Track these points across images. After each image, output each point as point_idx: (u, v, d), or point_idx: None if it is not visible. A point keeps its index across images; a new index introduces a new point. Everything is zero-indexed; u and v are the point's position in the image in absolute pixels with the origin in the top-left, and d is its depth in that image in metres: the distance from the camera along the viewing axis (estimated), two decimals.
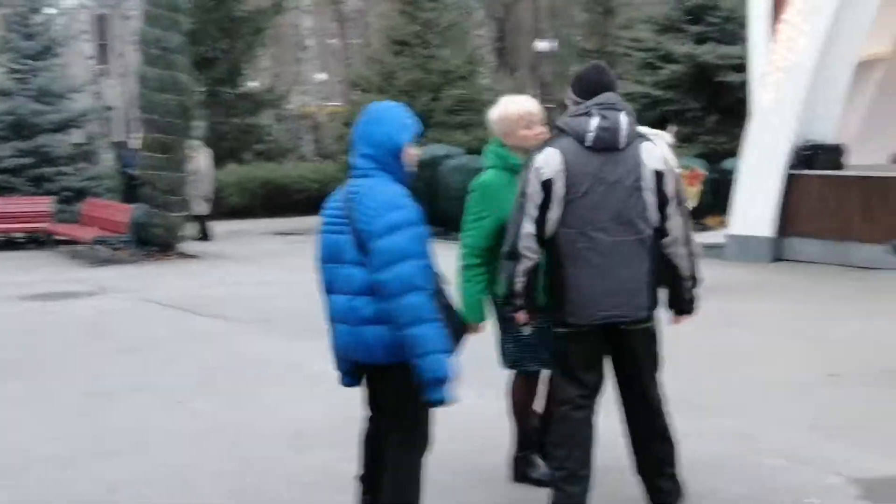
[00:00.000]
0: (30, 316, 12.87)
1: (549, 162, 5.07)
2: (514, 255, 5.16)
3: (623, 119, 5.10)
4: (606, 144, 5.06)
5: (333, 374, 8.71)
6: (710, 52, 23.04)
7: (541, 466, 5.97)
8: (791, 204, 14.53)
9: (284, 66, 58.16)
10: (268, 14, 30.86)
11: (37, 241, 21.15)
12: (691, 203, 10.96)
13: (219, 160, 28.22)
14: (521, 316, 5.31)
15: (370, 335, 4.69)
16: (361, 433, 5.30)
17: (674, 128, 11.86)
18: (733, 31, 23.44)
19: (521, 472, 6.07)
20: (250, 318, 12.10)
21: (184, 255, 18.96)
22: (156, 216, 18.64)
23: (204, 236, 21.39)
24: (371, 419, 5.20)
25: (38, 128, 22.28)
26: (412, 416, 4.85)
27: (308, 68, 56.92)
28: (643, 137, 5.19)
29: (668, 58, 23.83)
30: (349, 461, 6.46)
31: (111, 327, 11.88)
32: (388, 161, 4.73)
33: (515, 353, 5.81)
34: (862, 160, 14.93)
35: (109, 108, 36.55)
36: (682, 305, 5.30)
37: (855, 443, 6.60)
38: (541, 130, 5.75)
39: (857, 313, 10.98)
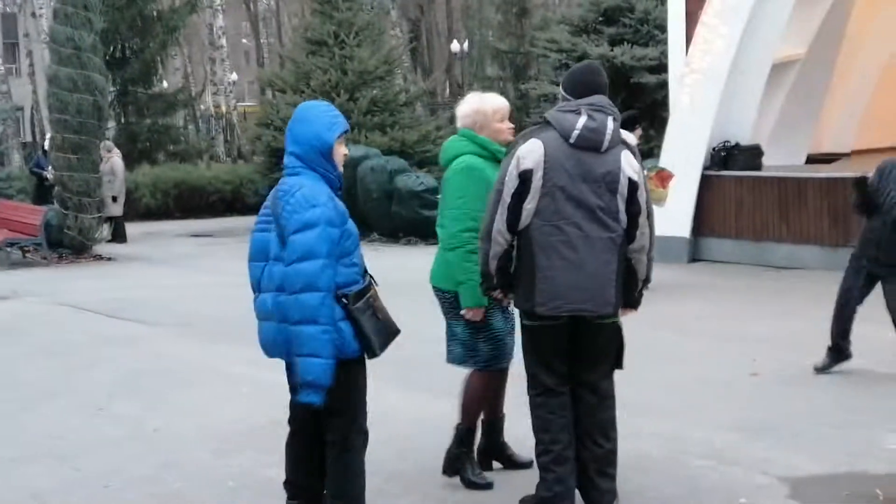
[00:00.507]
0: None
1: (531, 153, 5.19)
2: (487, 237, 5.30)
3: (609, 123, 5.23)
4: (589, 144, 5.19)
5: (255, 378, 8.78)
6: (625, 54, 23.24)
7: (476, 470, 6.05)
8: (708, 204, 14.68)
9: (196, 66, 57.79)
10: (182, 13, 30.55)
11: None
12: (662, 204, 11.12)
13: (132, 161, 27.90)
14: (498, 294, 5.45)
15: (295, 333, 4.68)
16: (288, 436, 5.25)
17: (639, 130, 11.94)
18: (648, 32, 23.70)
19: (457, 469, 6.06)
20: (169, 321, 11.93)
21: (98, 258, 18.66)
22: (69, 218, 18.31)
23: (116, 238, 21.01)
24: (294, 420, 5.16)
25: None
26: (347, 413, 4.86)
27: (220, 68, 56.59)
28: (625, 145, 5.33)
29: (584, 59, 23.97)
30: (273, 466, 6.45)
31: (26, 331, 11.64)
32: (316, 159, 4.78)
33: (491, 351, 5.87)
34: (776, 161, 15.12)
35: (19, 109, 35.89)
36: (630, 301, 5.45)
37: (779, 442, 6.65)
38: (511, 125, 6.00)
39: (775, 313, 11.10)
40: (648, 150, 17.95)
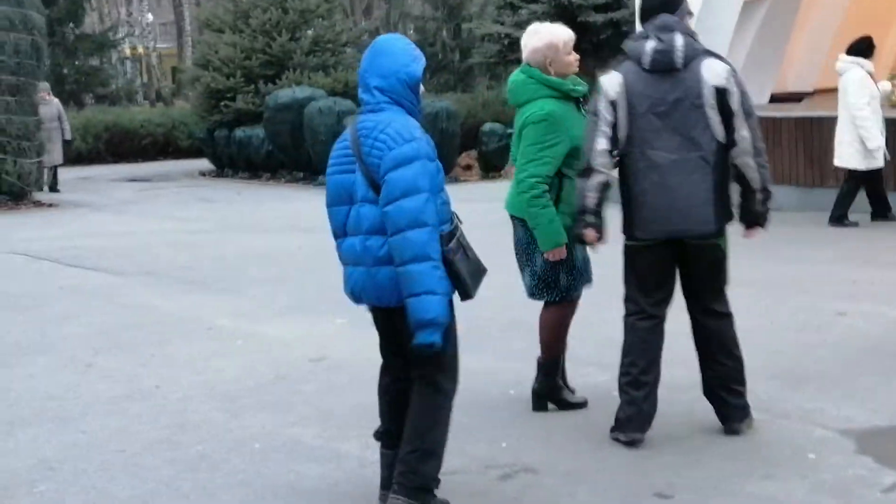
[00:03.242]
0: None
1: (611, 85, 5.28)
2: (588, 171, 5.33)
3: (678, 40, 5.20)
4: (663, 66, 5.21)
5: (245, 330, 8.36)
6: None
7: (568, 392, 6.18)
8: None
9: (109, 7, 56.27)
10: None
11: None
12: None
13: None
14: (591, 233, 5.40)
15: (384, 276, 4.47)
16: (379, 385, 4.90)
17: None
18: None
19: (548, 401, 6.13)
20: (132, 270, 11.42)
21: (38, 204, 17.99)
22: (7, 163, 17.55)
23: (54, 185, 20.24)
24: (387, 368, 4.88)
25: None
26: (445, 356, 4.57)
27: (137, 9, 55.12)
28: (706, 55, 5.25)
29: None
30: (295, 424, 6.16)
31: None
32: (403, 93, 4.53)
33: (569, 281, 5.89)
34: None
35: None
36: (754, 218, 5.41)
37: (822, 392, 6.35)
38: (577, 56, 5.96)
39: (766, 257, 10.80)
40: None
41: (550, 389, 6.14)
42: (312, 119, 19.93)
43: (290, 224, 14.89)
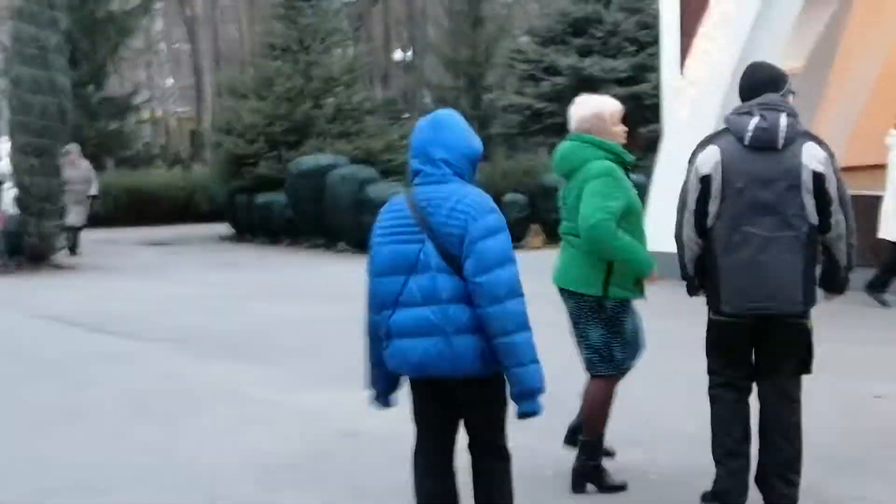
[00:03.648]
0: None
1: (707, 158, 5.31)
2: (679, 245, 5.47)
3: (783, 120, 5.24)
4: (764, 144, 5.24)
5: (276, 401, 8.29)
6: (594, 65, 23.02)
7: (609, 475, 6.04)
8: None
9: (130, 70, 56.70)
10: (135, 15, 29.81)
11: None
12: None
13: None
14: (703, 294, 5.54)
15: (464, 345, 4.45)
16: (422, 463, 4.83)
17: None
18: (618, 44, 23.48)
19: (587, 482, 6.03)
20: (160, 336, 11.35)
21: (57, 267, 17.96)
22: (30, 224, 17.57)
23: (74, 249, 20.12)
24: (428, 444, 4.81)
25: None
26: (503, 425, 4.71)
27: (158, 73, 55.57)
28: (807, 137, 5.32)
29: (552, 70, 23.74)
30: (332, 502, 6.00)
31: (11, 348, 11.02)
32: (465, 167, 4.63)
33: (622, 353, 5.93)
34: None
35: None
36: (834, 286, 5.53)
37: (863, 477, 6.28)
38: (625, 128, 6.08)
39: None
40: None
41: (591, 469, 6.03)
42: (335, 186, 19.98)
43: (314, 291, 14.85)
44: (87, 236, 21.65)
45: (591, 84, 22.71)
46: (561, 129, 22.11)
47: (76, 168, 19.65)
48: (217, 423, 7.84)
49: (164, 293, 14.88)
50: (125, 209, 26.27)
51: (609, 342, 5.88)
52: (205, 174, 28.31)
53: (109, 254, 20.10)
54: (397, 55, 47.87)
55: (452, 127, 4.64)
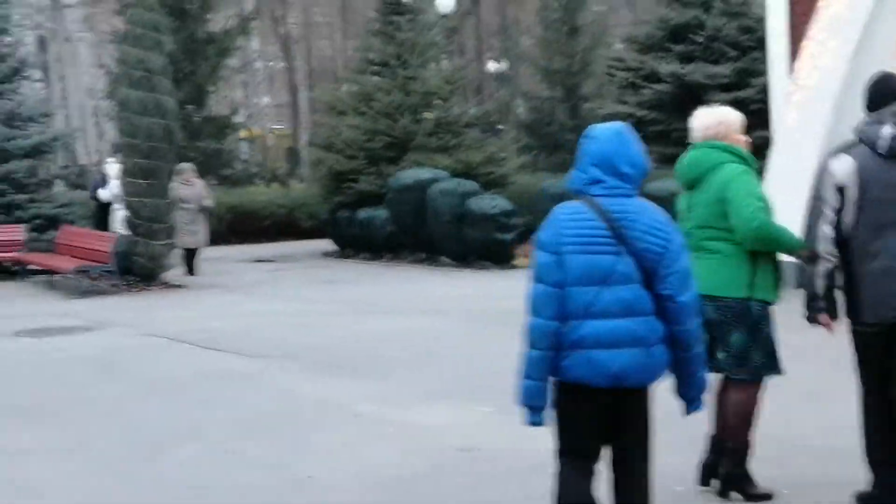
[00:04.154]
0: (30, 355, 12.04)
1: (842, 168, 5.36)
2: (814, 258, 5.42)
3: None
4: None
5: (392, 418, 8.25)
6: (697, 72, 22.70)
7: (755, 483, 5.98)
8: None
9: (231, 90, 57.45)
10: (233, 35, 30.17)
11: (7, 272, 20.22)
12: None
13: None
14: (825, 318, 5.51)
15: (661, 354, 4.63)
16: (570, 473, 4.75)
17: None
18: (720, 50, 23.14)
19: (744, 488, 5.95)
20: (272, 353, 11.38)
21: (168, 286, 18.16)
22: (139, 245, 17.82)
23: (191, 268, 20.07)
24: (589, 450, 4.78)
25: (8, 153, 21.35)
26: (652, 431, 4.83)
27: (254, 91, 56.20)
28: None
29: (653, 77, 23.47)
30: None
31: (126, 366, 11.12)
32: (640, 183, 4.75)
33: (764, 359, 5.88)
34: None
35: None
36: None
37: None
38: (748, 138, 6.13)
39: None
40: None
41: (738, 478, 5.95)
42: (436, 200, 19.97)
43: (417, 306, 14.82)
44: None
45: (694, 91, 22.42)
46: (663, 137, 21.97)
47: (191, 187, 19.68)
48: (332, 440, 7.82)
49: (271, 309, 14.96)
50: (228, 227, 26.53)
51: (749, 347, 5.84)
52: (304, 191, 28.51)
53: (216, 272, 20.25)
54: (491, 66, 47.84)
55: (634, 143, 4.72)
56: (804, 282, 5.52)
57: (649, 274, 4.54)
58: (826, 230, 5.38)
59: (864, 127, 5.42)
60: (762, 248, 5.76)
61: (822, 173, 5.43)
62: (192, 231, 19.59)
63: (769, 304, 5.88)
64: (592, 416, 4.68)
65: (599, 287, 4.53)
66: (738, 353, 5.83)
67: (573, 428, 4.71)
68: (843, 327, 5.63)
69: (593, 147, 4.67)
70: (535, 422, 4.67)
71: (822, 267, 5.41)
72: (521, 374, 4.64)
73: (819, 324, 5.56)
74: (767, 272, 5.81)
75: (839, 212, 5.37)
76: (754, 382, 5.92)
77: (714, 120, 6.04)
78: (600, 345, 4.52)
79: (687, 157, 6.06)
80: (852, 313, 5.47)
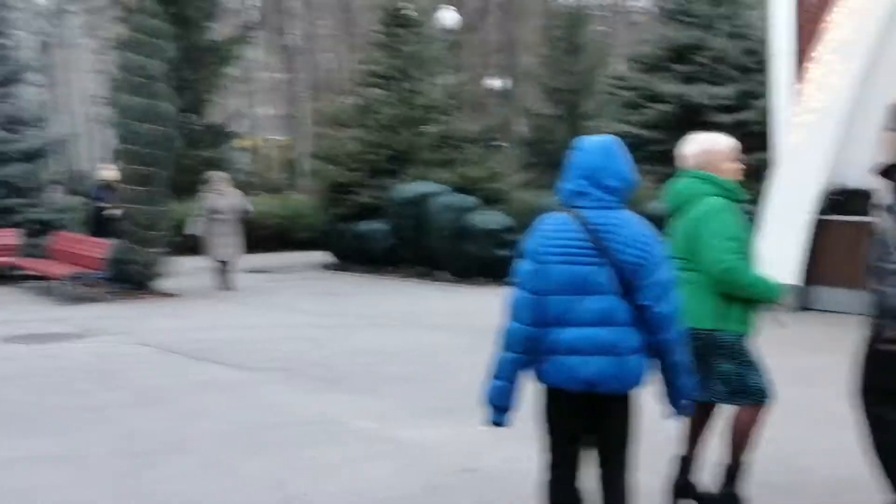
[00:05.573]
0: (21, 361, 11.83)
1: None
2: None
3: None
4: None
5: (389, 435, 8.08)
6: (699, 93, 22.60)
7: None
8: (820, 251, 13.94)
9: (232, 99, 57.36)
10: (234, 44, 30.06)
11: (1, 276, 20.04)
12: None
13: (181, 193, 27.24)
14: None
15: (634, 364, 4.67)
16: (555, 475, 4.87)
17: None
18: (723, 71, 23.05)
19: None
20: (266, 365, 11.22)
21: (162, 294, 17.98)
22: (134, 252, 17.64)
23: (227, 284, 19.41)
24: (570, 453, 4.87)
25: (6, 157, 21.18)
26: (635, 438, 4.87)
27: (254, 101, 56.08)
28: None
29: (655, 97, 23.37)
30: None
31: (119, 375, 10.94)
32: (626, 196, 4.78)
33: (760, 383, 5.83)
34: None
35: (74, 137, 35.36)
36: None
37: None
38: (741, 165, 5.99)
39: None
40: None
41: (730, 499, 5.91)
42: (436, 214, 19.84)
43: (415, 320, 14.67)
44: (188, 262, 21.62)
45: (696, 111, 22.34)
46: (666, 158, 21.80)
47: (224, 197, 19.24)
48: (327, 457, 7.64)
49: (267, 321, 14.80)
50: None
51: (742, 374, 5.79)
52: (303, 202, 28.35)
53: (209, 281, 20.06)
54: (493, 83, 47.79)
55: (621, 157, 4.78)
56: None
57: (629, 285, 4.60)
58: None
59: None
60: (729, 291, 5.69)
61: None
62: (227, 244, 19.12)
63: (742, 335, 5.80)
64: (572, 419, 4.81)
65: (578, 296, 4.63)
66: (733, 381, 5.78)
67: (555, 431, 4.86)
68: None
69: (580, 159, 4.76)
70: (498, 421, 4.82)
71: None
72: (490, 374, 4.78)
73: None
74: (739, 305, 5.73)
75: None
76: (758, 405, 5.85)
77: (700, 148, 5.96)
78: (574, 351, 4.63)
79: (673, 186, 6.02)
80: None
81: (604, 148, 4.79)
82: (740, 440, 5.88)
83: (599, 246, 4.62)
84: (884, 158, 5.45)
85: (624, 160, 4.77)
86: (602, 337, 4.62)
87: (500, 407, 4.78)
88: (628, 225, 4.68)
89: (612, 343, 4.62)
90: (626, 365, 4.64)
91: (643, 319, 4.63)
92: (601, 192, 4.71)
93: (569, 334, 4.64)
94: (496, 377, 4.77)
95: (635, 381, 4.70)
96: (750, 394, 5.81)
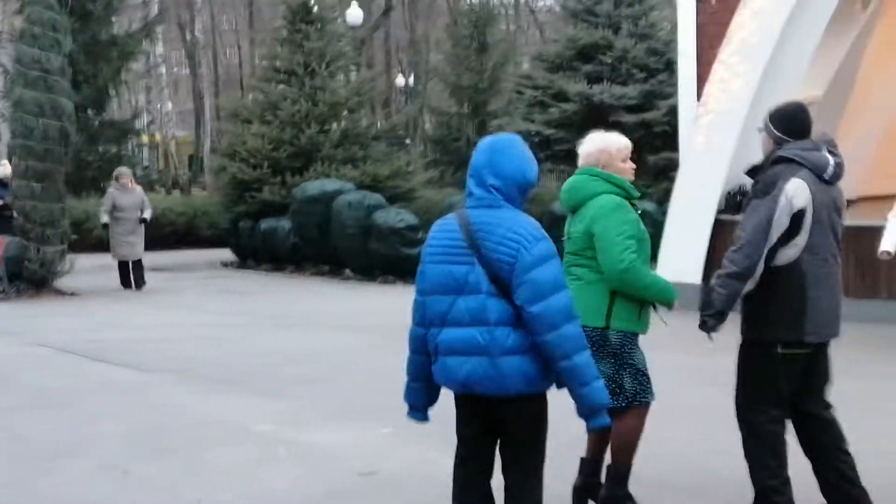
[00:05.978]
0: None
1: (801, 192, 5.35)
2: (746, 277, 5.38)
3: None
4: (837, 179, 5.52)
5: (287, 438, 7.93)
6: (604, 92, 22.75)
7: None
8: (721, 250, 14.01)
9: (133, 95, 56.53)
10: (137, 38, 29.57)
11: None
12: None
13: (81, 190, 26.77)
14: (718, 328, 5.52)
15: (509, 366, 4.53)
16: (462, 478, 4.81)
17: None
18: (627, 71, 23.22)
19: None
20: (164, 367, 10.99)
21: (59, 293, 17.60)
22: (30, 250, 17.22)
23: (140, 282, 18.94)
24: (469, 462, 4.82)
25: None
26: (541, 444, 4.74)
27: (157, 97, 55.32)
28: None
29: (561, 96, 23.46)
30: None
31: (10, 377, 10.66)
32: (514, 194, 4.66)
33: (635, 386, 5.82)
34: None
35: None
36: None
37: None
38: (633, 165, 6.03)
39: None
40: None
41: (620, 498, 5.91)
42: (341, 212, 19.68)
43: (319, 320, 14.52)
44: (86, 261, 21.20)
45: (601, 111, 22.48)
46: (570, 156, 21.93)
47: (130, 193, 18.73)
48: (226, 461, 7.48)
49: (166, 321, 14.55)
50: None
51: (619, 374, 5.79)
52: (205, 199, 28.06)
53: (111, 279, 19.67)
54: (399, 81, 47.70)
55: (508, 153, 4.65)
56: (719, 297, 5.43)
57: (503, 284, 4.50)
58: (764, 254, 5.37)
59: (807, 153, 5.45)
60: (626, 290, 5.71)
61: (777, 197, 5.33)
62: (130, 242, 18.67)
63: (632, 334, 5.82)
64: (470, 420, 4.76)
65: (454, 296, 4.58)
66: (610, 381, 5.70)
67: (459, 430, 4.82)
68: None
69: (472, 159, 4.71)
70: (415, 417, 4.90)
71: (747, 287, 5.40)
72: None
73: (708, 333, 5.55)
74: (629, 303, 5.75)
75: (789, 236, 5.38)
76: (635, 409, 5.84)
77: (595, 147, 5.98)
78: (451, 352, 4.60)
79: (568, 183, 6.04)
80: (791, 335, 5.45)
81: (489, 147, 4.69)
82: (620, 442, 5.87)
83: (473, 245, 4.56)
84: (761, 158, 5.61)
85: (512, 159, 4.65)
86: (473, 337, 4.55)
87: (412, 405, 4.87)
88: (504, 223, 4.56)
89: (482, 344, 4.53)
90: (499, 366, 4.51)
91: (522, 319, 4.51)
92: (482, 190, 4.63)
93: (446, 335, 4.62)
94: (406, 376, 4.84)
95: (516, 383, 4.53)
96: (626, 396, 5.79)
